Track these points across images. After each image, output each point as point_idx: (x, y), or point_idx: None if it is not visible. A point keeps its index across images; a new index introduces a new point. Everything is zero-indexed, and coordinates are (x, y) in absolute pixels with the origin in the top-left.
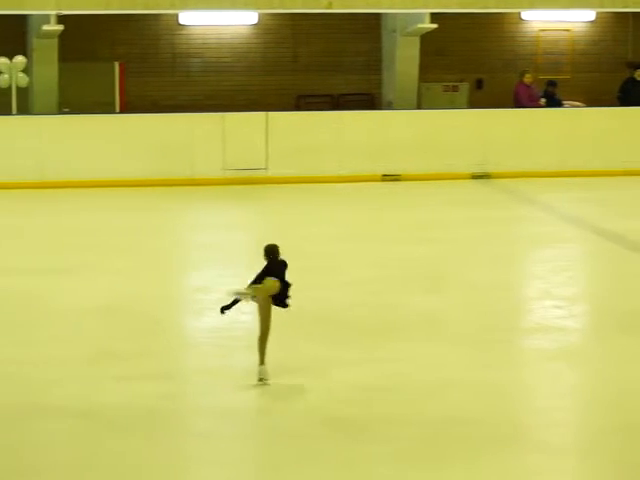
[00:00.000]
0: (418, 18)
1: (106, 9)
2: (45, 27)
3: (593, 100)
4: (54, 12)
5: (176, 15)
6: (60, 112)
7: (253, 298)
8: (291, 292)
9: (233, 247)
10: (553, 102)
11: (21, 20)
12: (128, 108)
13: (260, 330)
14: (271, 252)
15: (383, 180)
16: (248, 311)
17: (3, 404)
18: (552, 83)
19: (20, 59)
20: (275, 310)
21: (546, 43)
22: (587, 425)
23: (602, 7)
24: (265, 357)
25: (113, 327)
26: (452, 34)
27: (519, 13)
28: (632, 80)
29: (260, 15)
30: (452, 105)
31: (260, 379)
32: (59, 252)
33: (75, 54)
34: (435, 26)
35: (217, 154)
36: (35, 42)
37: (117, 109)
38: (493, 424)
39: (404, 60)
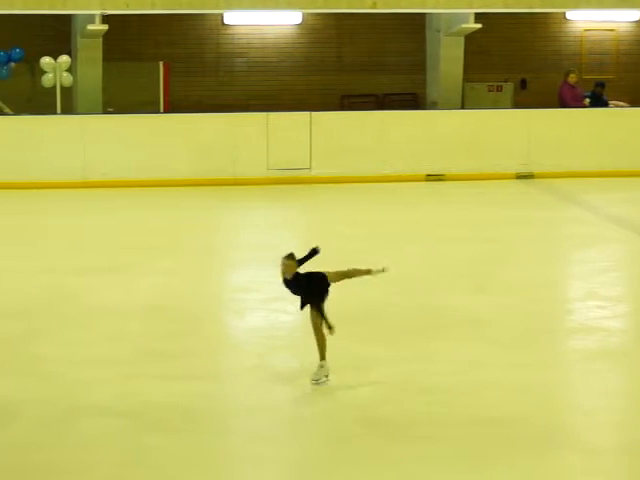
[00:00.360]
0: (462, 18)
1: (151, 9)
2: (90, 27)
3: (637, 100)
4: (99, 12)
5: (220, 15)
6: (104, 112)
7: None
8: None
9: (276, 247)
10: (600, 103)
11: (66, 20)
12: (172, 108)
13: (315, 333)
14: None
15: (427, 180)
16: (291, 311)
17: (49, 403)
18: (600, 84)
19: (64, 59)
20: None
21: (591, 43)
22: (630, 426)
23: None
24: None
25: (157, 326)
26: (496, 34)
27: (564, 13)
28: None
29: (304, 15)
30: (496, 105)
31: (325, 376)
32: (103, 252)
33: (119, 54)
34: (479, 26)
35: (261, 154)
36: (79, 42)
37: (161, 109)
38: (535, 424)
39: (448, 60)
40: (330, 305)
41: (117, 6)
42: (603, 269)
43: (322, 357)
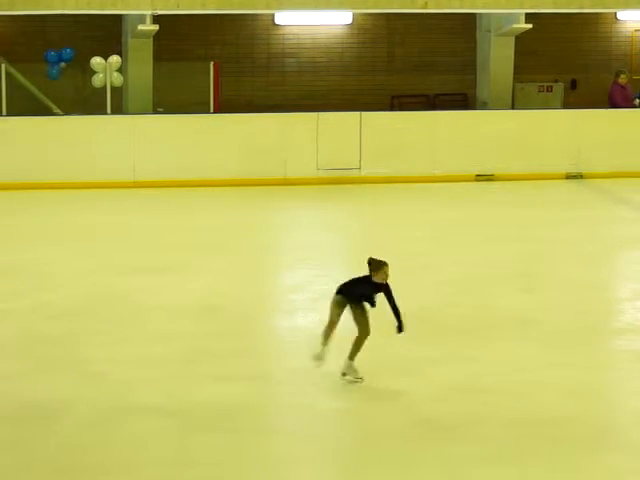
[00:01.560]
0: (513, 18)
1: (201, 9)
2: (140, 27)
3: None
4: (149, 12)
5: (271, 15)
6: (154, 112)
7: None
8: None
9: (326, 247)
10: None
11: (116, 20)
12: (223, 108)
13: (362, 332)
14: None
15: (477, 180)
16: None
17: (97, 403)
18: None
19: (115, 59)
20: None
21: None
22: None
23: None
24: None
25: (207, 326)
26: (547, 34)
27: (614, 13)
28: None
29: (355, 15)
30: (546, 105)
31: (343, 374)
32: (154, 252)
33: (170, 54)
34: (530, 26)
35: (311, 154)
36: (130, 42)
37: (212, 109)
38: (584, 425)
39: (499, 60)
40: (383, 306)
41: (168, 6)
42: None
43: (351, 357)
